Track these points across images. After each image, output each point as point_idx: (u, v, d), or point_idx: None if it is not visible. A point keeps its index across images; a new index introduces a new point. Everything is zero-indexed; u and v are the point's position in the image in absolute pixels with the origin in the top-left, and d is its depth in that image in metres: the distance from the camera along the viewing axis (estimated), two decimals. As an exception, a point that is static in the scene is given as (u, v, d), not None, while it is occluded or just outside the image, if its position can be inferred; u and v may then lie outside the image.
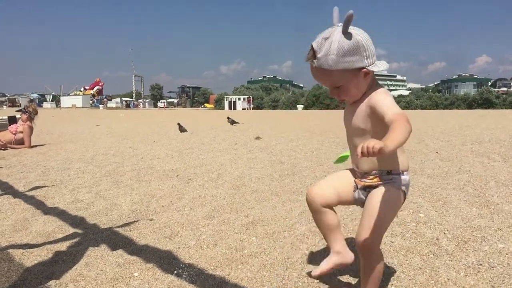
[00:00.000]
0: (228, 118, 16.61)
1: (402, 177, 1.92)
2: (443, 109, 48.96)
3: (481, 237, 2.82)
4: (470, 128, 11.75)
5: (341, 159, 2.45)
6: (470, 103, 51.59)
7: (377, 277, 1.91)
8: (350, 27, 1.76)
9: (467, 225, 3.08)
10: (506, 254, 2.52)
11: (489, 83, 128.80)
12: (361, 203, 2.03)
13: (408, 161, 1.97)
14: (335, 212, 2.09)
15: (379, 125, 1.81)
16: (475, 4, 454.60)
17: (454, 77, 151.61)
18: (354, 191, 2.05)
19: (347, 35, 1.75)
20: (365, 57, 1.79)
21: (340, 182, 2.08)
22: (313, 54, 1.77)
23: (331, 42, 1.74)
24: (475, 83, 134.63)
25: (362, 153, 1.50)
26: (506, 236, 2.82)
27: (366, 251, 1.85)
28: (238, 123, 16.34)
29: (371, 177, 1.95)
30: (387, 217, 1.88)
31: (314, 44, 1.77)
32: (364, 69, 1.81)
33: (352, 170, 2.09)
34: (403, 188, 1.93)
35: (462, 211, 3.43)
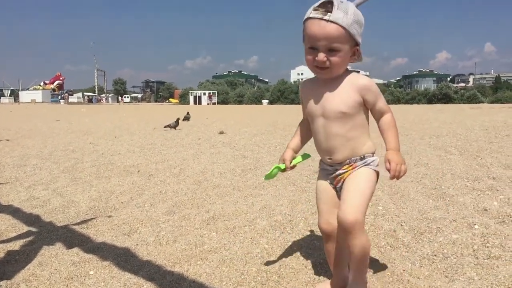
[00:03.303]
0: (187, 115, 15.21)
1: (374, 157, 1.97)
2: (405, 103, 50.11)
3: (436, 228, 2.89)
4: (428, 122, 12.07)
5: (272, 175, 2.10)
6: (430, 98, 53.05)
7: (366, 258, 1.89)
8: None
9: (423, 216, 3.15)
10: (460, 244, 2.59)
11: (448, 79, 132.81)
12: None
13: (374, 143, 2.00)
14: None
15: (361, 109, 1.89)
16: (437, 1, 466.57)
17: (415, 72, 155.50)
18: (336, 188, 2.01)
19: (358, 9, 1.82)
20: (361, 37, 1.84)
21: (331, 197, 2.01)
22: (327, 9, 1.75)
23: (348, 5, 1.77)
24: (434, 78, 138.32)
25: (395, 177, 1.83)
26: (460, 227, 2.90)
27: (352, 228, 1.79)
28: (189, 117, 14.98)
29: (345, 166, 1.94)
30: (366, 192, 1.88)
31: (335, 1, 1.76)
32: (358, 47, 1.84)
33: (322, 170, 2.05)
34: (376, 168, 1.96)
35: (419, 203, 3.50)
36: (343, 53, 1.80)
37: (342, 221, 1.82)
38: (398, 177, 1.84)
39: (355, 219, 1.79)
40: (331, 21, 1.73)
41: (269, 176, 2.10)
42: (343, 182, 1.95)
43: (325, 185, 2.03)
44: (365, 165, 1.94)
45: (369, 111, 1.95)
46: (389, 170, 1.84)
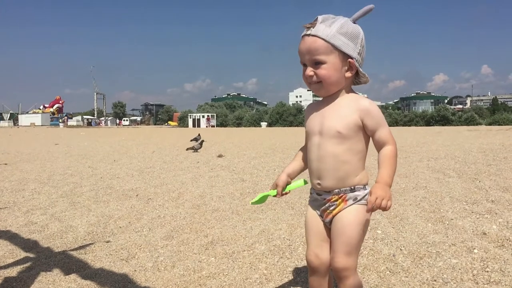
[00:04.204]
0: (197, 137, 14.07)
1: (365, 191, 1.84)
2: (403, 126, 50.28)
3: (435, 252, 2.88)
4: (427, 145, 12.09)
5: (261, 199, 2.04)
6: (428, 120, 53.26)
7: None
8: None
9: (422, 241, 3.15)
10: (459, 269, 2.58)
11: (446, 101, 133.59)
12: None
13: (368, 175, 1.91)
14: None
15: (360, 133, 1.81)
16: (433, 24, 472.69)
17: (413, 94, 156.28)
18: (325, 222, 1.92)
19: (354, 23, 1.81)
20: (358, 51, 1.80)
21: (320, 230, 1.93)
22: (313, 25, 1.78)
23: (336, 19, 1.78)
24: (432, 100, 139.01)
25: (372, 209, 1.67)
26: (459, 251, 2.89)
27: (342, 275, 1.79)
28: (197, 139, 13.85)
29: (335, 197, 1.85)
30: (357, 236, 1.81)
31: (320, 16, 1.79)
32: (352, 60, 1.78)
33: (312, 201, 1.97)
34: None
35: (418, 227, 3.50)
36: (329, 65, 1.76)
37: (333, 267, 1.82)
38: (375, 210, 1.68)
39: (345, 267, 1.78)
40: (311, 35, 1.77)
41: (256, 202, 2.04)
42: (332, 217, 1.87)
43: (314, 217, 1.95)
44: (355, 202, 1.84)
45: (371, 139, 1.85)
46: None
